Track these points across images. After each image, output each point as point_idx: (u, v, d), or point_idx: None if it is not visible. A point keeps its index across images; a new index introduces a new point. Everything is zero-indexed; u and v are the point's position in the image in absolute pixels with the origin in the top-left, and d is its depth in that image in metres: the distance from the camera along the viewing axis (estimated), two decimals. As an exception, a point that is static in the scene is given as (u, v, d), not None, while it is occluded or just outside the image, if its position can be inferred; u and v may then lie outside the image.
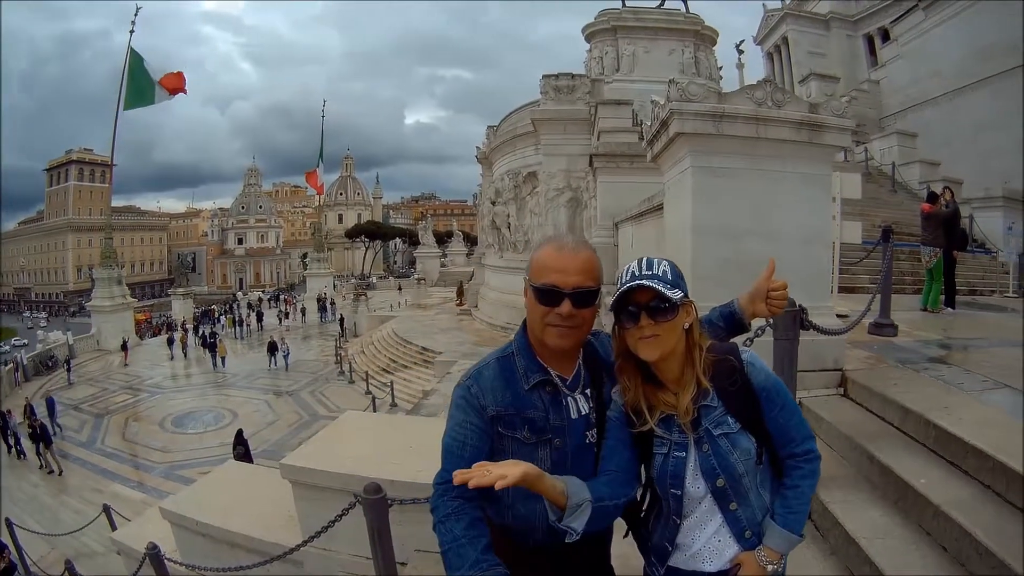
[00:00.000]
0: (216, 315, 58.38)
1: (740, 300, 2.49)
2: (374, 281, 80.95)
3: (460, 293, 39.92)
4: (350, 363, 30.71)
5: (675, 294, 1.93)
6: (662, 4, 33.19)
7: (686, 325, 2.02)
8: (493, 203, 33.10)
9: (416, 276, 72.78)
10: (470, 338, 28.10)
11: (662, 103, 6.36)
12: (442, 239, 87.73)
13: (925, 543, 3.46)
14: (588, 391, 2.19)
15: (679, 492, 2.04)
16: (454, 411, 2.13)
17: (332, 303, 55.79)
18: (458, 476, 1.75)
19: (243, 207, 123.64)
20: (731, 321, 2.49)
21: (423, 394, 19.29)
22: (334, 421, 5.88)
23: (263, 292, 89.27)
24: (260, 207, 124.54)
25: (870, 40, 43.84)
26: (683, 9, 33.02)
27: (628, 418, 2.09)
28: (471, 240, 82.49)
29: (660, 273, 1.96)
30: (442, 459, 2.09)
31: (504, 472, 1.72)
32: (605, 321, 3.08)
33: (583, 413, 2.16)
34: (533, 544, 2.14)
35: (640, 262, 2.00)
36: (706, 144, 5.87)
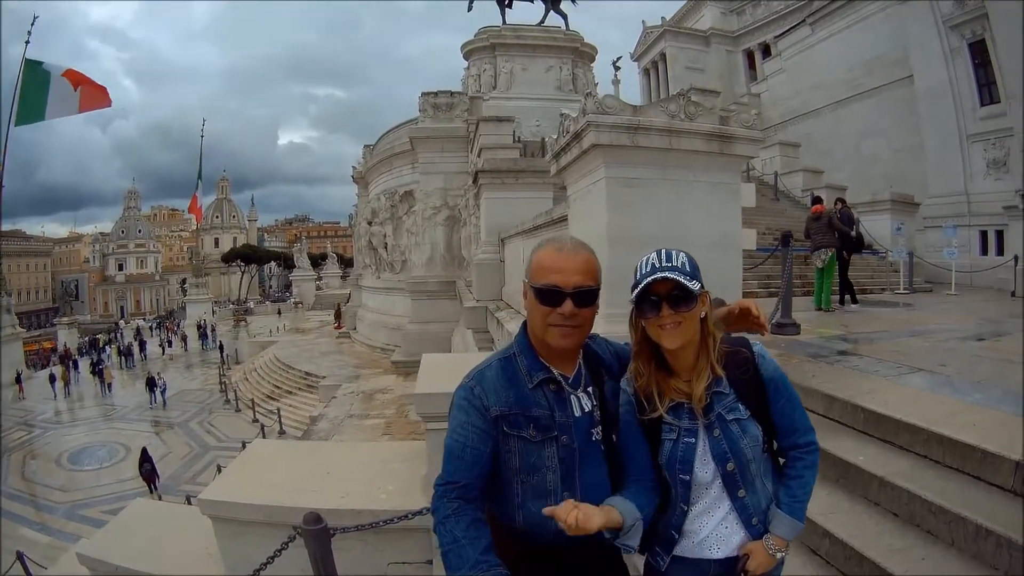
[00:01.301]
0: (101, 344, 55.95)
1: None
2: (252, 306, 79.25)
3: (338, 315, 39.97)
4: (235, 391, 30.31)
5: (694, 285, 2.03)
6: (543, 21, 33.96)
7: (701, 315, 2.11)
8: (370, 223, 33.26)
9: (293, 300, 71.98)
10: (351, 361, 28.23)
11: (574, 116, 6.67)
12: (316, 261, 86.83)
13: (876, 512, 3.83)
14: (590, 389, 2.24)
15: (688, 477, 2.12)
16: (455, 412, 2.15)
17: (213, 329, 54.59)
18: (547, 511, 1.89)
19: (123, 231, 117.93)
20: None
21: (311, 420, 19.23)
22: (244, 451, 5.81)
23: (144, 319, 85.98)
24: (139, 231, 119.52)
25: (750, 55, 46.12)
26: (563, 26, 33.90)
27: (639, 405, 2.18)
28: (345, 262, 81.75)
29: (679, 265, 2.05)
30: (443, 460, 2.13)
31: (586, 519, 1.86)
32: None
33: (586, 410, 2.20)
34: (544, 544, 2.14)
35: (660, 254, 2.08)
36: (620, 155, 6.13)
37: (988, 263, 19.70)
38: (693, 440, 2.12)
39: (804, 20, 34.35)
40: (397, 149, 29.25)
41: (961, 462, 3.78)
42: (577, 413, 2.17)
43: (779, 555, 2.12)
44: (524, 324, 2.27)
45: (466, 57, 33.86)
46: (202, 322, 57.32)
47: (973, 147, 22.29)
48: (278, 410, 23.52)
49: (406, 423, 16.05)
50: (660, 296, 2.04)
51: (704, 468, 2.11)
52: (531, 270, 2.14)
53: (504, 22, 33.56)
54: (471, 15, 34.63)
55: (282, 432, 21.71)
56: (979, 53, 21.67)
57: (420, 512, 3.86)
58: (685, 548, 2.18)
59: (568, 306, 2.05)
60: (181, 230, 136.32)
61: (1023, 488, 3.36)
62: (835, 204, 14.02)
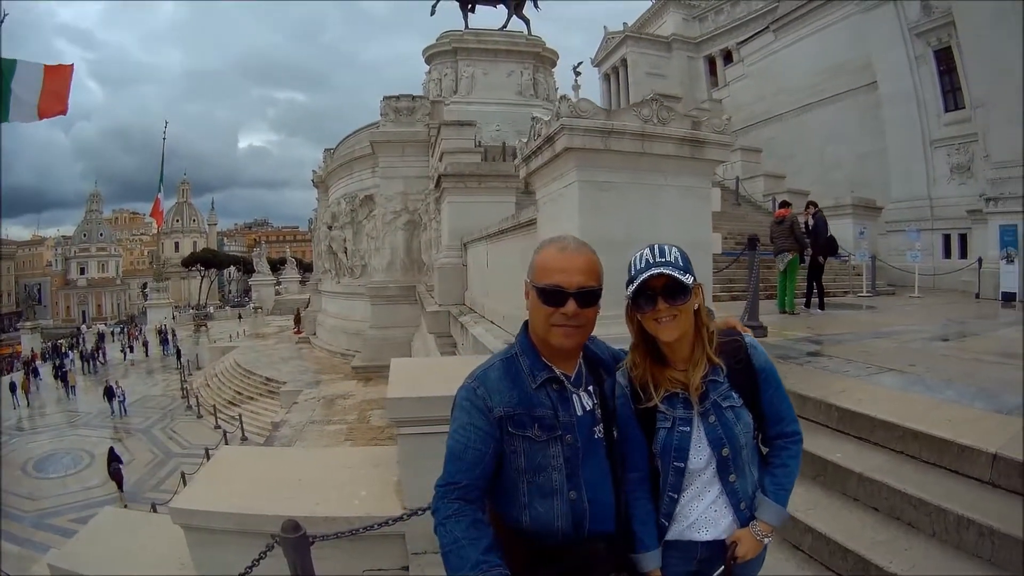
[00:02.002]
0: (63, 350, 55.09)
1: None
2: (212, 311, 78.47)
3: (298, 320, 39.67)
4: (196, 397, 30.03)
5: (687, 278, 2.08)
6: (505, 26, 34.06)
7: (695, 307, 2.18)
8: (330, 228, 33.10)
9: (253, 305, 71.37)
10: (311, 366, 28.09)
11: (546, 119, 6.74)
12: (275, 266, 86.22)
13: (856, 507, 3.96)
14: (591, 388, 2.25)
15: (682, 465, 2.18)
16: (457, 413, 2.16)
17: (173, 334, 54.03)
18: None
19: (85, 235, 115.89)
20: None
21: (273, 426, 18.98)
22: (213, 458, 5.75)
23: (105, 324, 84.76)
24: (101, 235, 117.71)
25: (711, 61, 46.79)
26: (525, 31, 34.03)
27: (635, 395, 2.24)
28: (304, 266, 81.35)
29: (673, 260, 2.10)
30: (444, 461, 2.14)
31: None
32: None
33: (588, 409, 2.21)
34: (552, 544, 2.13)
35: (653, 249, 2.14)
36: (593, 159, 6.20)
37: (951, 266, 20.18)
38: (688, 428, 2.18)
39: (767, 27, 34.77)
40: (358, 153, 29.12)
41: (938, 457, 3.92)
42: (579, 412, 2.19)
43: (765, 540, 2.21)
44: (525, 324, 2.28)
45: (428, 61, 33.81)
46: (163, 327, 56.83)
47: (937, 152, 22.71)
48: (240, 416, 23.32)
49: (368, 428, 15.98)
50: (655, 290, 2.09)
51: (699, 455, 2.18)
52: (534, 270, 2.15)
53: (466, 27, 33.62)
54: (434, 20, 34.66)
55: (244, 438, 21.56)
56: (944, 60, 22.10)
57: (401, 518, 3.87)
58: (673, 532, 2.24)
59: (571, 306, 2.06)
60: (142, 234, 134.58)
61: (1000, 480, 3.50)
62: (806, 208, 14.20)
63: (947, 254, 21.84)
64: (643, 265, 2.12)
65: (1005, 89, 17.20)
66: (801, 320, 11.38)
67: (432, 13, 34.39)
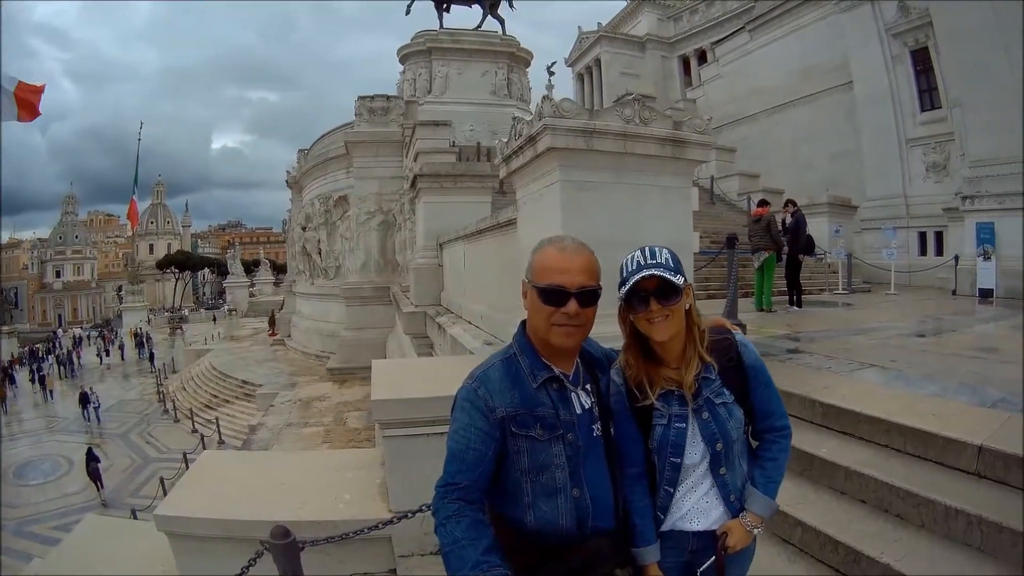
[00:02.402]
0: (40, 354, 54.47)
1: None
2: (186, 314, 77.92)
3: (272, 323, 39.47)
4: (173, 401, 30.00)
5: (679, 279, 2.14)
6: (480, 26, 34.13)
7: (687, 307, 2.23)
8: (304, 229, 33.01)
9: (227, 307, 70.89)
10: (287, 368, 27.97)
11: (528, 119, 6.77)
12: (249, 268, 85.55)
13: (844, 500, 4.04)
14: (588, 387, 2.30)
15: (678, 460, 2.24)
16: (458, 414, 2.17)
17: (149, 338, 53.72)
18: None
19: (60, 237, 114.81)
20: None
21: (250, 429, 18.91)
22: (195, 463, 5.72)
23: (81, 328, 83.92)
24: (76, 237, 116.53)
25: (685, 61, 47.06)
26: (500, 31, 34.11)
27: (631, 394, 2.29)
28: (278, 268, 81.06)
29: (664, 261, 2.15)
30: (445, 462, 2.15)
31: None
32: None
33: (586, 407, 2.25)
34: (556, 542, 2.16)
35: (644, 252, 2.19)
36: (576, 159, 6.23)
37: (927, 263, 20.47)
38: (684, 425, 2.24)
39: (743, 27, 35.01)
40: (332, 153, 28.95)
41: (923, 450, 4.02)
42: (578, 411, 2.23)
43: (755, 531, 2.28)
44: (522, 324, 2.31)
45: (402, 61, 33.87)
46: (139, 330, 56.71)
47: (912, 151, 23.07)
48: (216, 420, 23.37)
49: (345, 431, 15.97)
50: (648, 291, 2.14)
51: (694, 450, 2.24)
52: (533, 270, 2.18)
53: (441, 26, 33.71)
54: (409, 19, 34.68)
55: (221, 442, 21.56)
56: (921, 60, 22.45)
57: (391, 521, 3.90)
58: (666, 523, 2.30)
59: (573, 306, 2.09)
60: (117, 236, 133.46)
61: (987, 471, 3.60)
62: (785, 207, 14.31)
63: (923, 251, 22.18)
64: (635, 267, 2.16)
65: (982, 89, 17.45)
66: (779, 318, 11.50)
67: (407, 12, 34.41)
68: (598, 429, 2.28)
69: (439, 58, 32.54)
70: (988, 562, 3.19)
